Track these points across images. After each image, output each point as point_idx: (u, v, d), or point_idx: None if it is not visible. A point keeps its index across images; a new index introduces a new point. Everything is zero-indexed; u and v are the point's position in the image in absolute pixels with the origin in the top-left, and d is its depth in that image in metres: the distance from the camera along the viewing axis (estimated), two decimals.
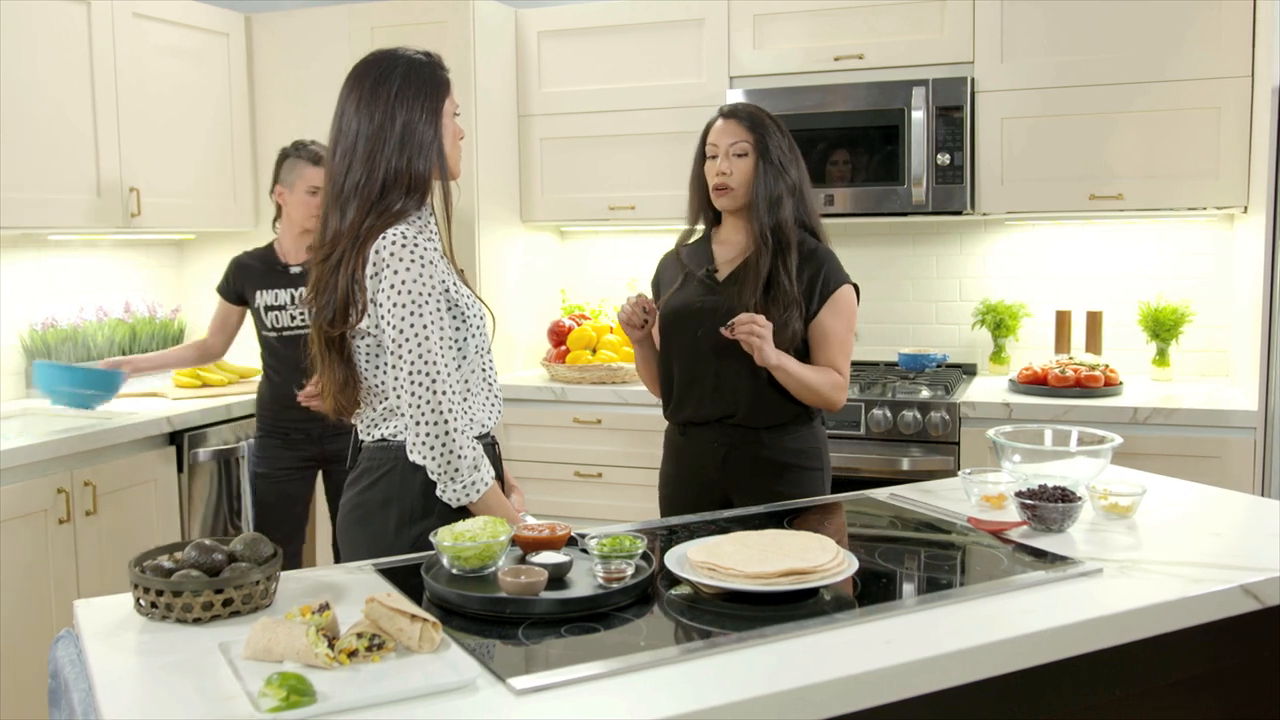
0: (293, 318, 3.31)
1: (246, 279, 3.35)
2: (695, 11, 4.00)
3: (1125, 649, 1.63)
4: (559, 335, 4.22)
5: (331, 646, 1.44)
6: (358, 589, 1.77)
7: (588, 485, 3.97)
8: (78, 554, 3.09)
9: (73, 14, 3.48)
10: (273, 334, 3.33)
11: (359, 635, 1.46)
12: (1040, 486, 2.07)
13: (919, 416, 3.50)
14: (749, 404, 2.50)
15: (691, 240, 2.70)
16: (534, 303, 4.44)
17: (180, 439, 3.44)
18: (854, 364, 4.15)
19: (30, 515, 2.97)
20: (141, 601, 1.64)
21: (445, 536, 1.75)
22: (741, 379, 2.50)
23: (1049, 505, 2.00)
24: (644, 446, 3.80)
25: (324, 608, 1.48)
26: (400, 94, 2.07)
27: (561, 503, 3.97)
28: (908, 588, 1.80)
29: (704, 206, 2.64)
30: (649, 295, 2.68)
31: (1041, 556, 1.88)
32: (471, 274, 4.02)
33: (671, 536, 2.05)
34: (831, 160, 3.80)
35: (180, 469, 3.45)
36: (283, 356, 3.28)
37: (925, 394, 3.58)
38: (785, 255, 2.49)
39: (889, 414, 3.53)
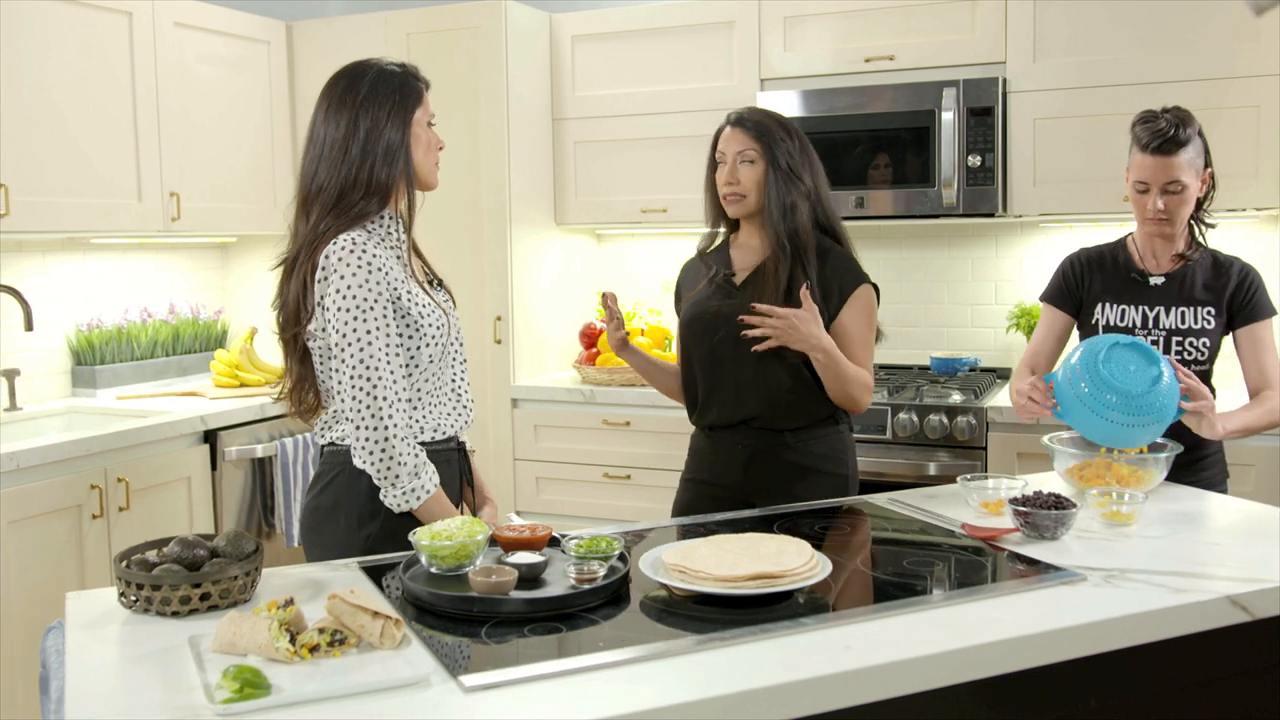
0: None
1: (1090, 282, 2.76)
2: (726, 14, 4.00)
3: (1105, 658, 1.60)
4: (590, 338, 4.24)
5: (294, 641, 1.47)
6: (340, 586, 1.79)
7: (616, 486, 3.98)
8: (110, 549, 3.18)
9: (114, 23, 3.58)
10: None
11: (321, 631, 1.49)
12: (1035, 493, 2.05)
13: (945, 421, 3.46)
14: (770, 406, 2.48)
15: (714, 246, 2.69)
16: (568, 305, 4.47)
17: (214, 437, 3.52)
18: (884, 367, 4.15)
19: (65, 510, 3.06)
20: (125, 595, 1.69)
21: (423, 535, 1.78)
22: (760, 382, 2.47)
23: (1042, 512, 1.97)
24: (672, 449, 3.79)
25: (288, 603, 1.52)
26: (366, 101, 2.08)
27: (590, 504, 4.00)
28: (886, 593, 1.78)
29: (719, 211, 2.63)
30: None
31: (1031, 564, 1.85)
32: (503, 276, 4.06)
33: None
34: (862, 162, 3.77)
35: (214, 467, 3.53)
36: None
37: (954, 398, 3.54)
38: (804, 261, 2.47)
39: (915, 418, 3.49)
